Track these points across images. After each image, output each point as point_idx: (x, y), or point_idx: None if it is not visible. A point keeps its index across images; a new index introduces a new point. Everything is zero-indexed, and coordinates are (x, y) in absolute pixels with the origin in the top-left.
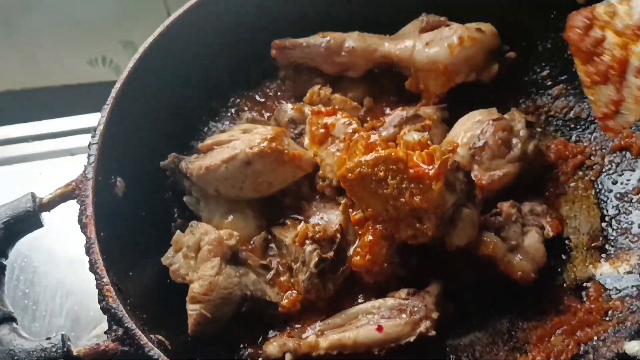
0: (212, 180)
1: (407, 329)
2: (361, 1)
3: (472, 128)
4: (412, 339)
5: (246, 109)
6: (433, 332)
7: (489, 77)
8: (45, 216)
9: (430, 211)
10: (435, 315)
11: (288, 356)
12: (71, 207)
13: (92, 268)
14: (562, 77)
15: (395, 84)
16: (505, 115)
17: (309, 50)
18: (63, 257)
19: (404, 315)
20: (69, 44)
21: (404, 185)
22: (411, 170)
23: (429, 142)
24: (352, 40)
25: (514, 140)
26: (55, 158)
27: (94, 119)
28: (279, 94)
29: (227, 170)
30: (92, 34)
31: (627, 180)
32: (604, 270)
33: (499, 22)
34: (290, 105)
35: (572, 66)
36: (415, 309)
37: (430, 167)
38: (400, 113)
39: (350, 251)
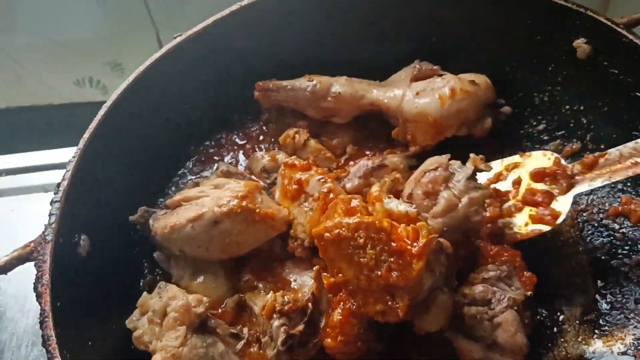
0: (176, 240)
1: None
2: (351, 45)
3: (414, 178)
4: None
5: (225, 153)
6: None
7: (481, 132)
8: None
9: (405, 290)
10: None
11: None
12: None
13: (44, 344)
14: (559, 133)
15: (385, 131)
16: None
17: (293, 94)
18: (31, 305)
19: None
20: (55, 64)
21: (382, 258)
22: (393, 244)
23: (419, 216)
24: (339, 85)
25: (443, 193)
26: (28, 194)
27: (67, 154)
28: (260, 137)
29: (193, 230)
30: (79, 55)
31: (626, 249)
32: (597, 349)
33: (495, 73)
34: (263, 154)
35: (570, 122)
36: None
37: (415, 244)
38: (365, 162)
39: (323, 322)
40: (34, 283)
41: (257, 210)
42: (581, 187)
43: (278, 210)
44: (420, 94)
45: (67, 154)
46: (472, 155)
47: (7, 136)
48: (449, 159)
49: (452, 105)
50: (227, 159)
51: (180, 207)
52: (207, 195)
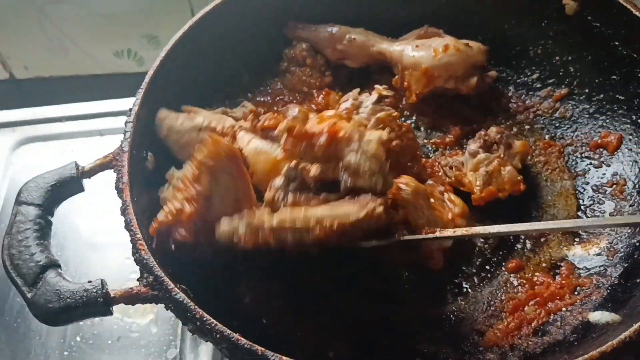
0: (165, 125)
1: (355, 207)
2: (375, 8)
3: None
4: (361, 214)
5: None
6: (380, 210)
7: (467, 89)
8: (85, 182)
9: None
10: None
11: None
12: (107, 177)
13: (127, 226)
14: (550, 81)
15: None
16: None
17: (315, 33)
18: (96, 221)
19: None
20: (96, 36)
21: None
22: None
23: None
24: (355, 33)
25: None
26: (86, 137)
27: (120, 104)
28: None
29: (181, 125)
30: (119, 27)
31: (603, 174)
32: (576, 252)
33: (496, 30)
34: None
35: (559, 71)
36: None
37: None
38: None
39: None
40: (115, 182)
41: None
42: None
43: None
44: (419, 47)
45: (117, 104)
46: (376, 86)
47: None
48: (359, 93)
49: (443, 58)
50: None
51: (188, 113)
52: (212, 115)
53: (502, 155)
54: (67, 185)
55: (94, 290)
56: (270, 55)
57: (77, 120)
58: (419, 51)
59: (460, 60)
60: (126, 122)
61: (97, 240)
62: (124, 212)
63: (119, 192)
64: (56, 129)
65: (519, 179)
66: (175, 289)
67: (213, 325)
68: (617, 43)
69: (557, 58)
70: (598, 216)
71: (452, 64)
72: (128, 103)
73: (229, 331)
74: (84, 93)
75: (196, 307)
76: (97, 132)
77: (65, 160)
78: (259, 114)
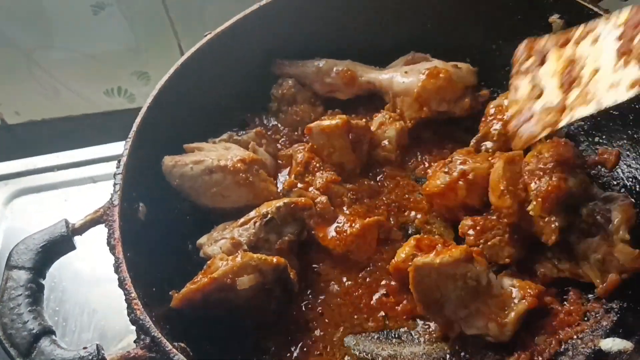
0: (175, 174)
1: None
2: (360, 38)
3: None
4: None
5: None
6: None
7: (460, 111)
8: (77, 239)
9: None
10: None
11: None
12: (99, 232)
13: (121, 285)
14: None
15: None
16: None
17: (303, 69)
18: (89, 278)
19: None
20: (86, 76)
21: None
22: None
23: None
24: (342, 65)
25: None
26: (79, 185)
27: (111, 149)
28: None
29: (191, 170)
30: (108, 66)
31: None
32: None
33: (484, 51)
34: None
35: None
36: None
37: None
38: None
39: None
40: (107, 239)
41: (246, 176)
42: None
43: (266, 185)
44: (408, 73)
45: (109, 149)
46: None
47: (45, 148)
48: None
49: (432, 83)
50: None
51: (192, 153)
52: (217, 150)
53: (606, 236)
54: (58, 245)
55: (90, 357)
56: (261, 91)
57: (69, 168)
58: (409, 77)
59: (450, 83)
60: (115, 174)
61: (92, 298)
62: (117, 269)
63: (111, 249)
64: (48, 179)
65: (636, 254)
66: (174, 350)
67: None
68: None
69: None
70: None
71: (442, 87)
72: (120, 147)
73: None
74: (77, 133)
75: None
76: (89, 179)
77: (59, 211)
78: (264, 135)
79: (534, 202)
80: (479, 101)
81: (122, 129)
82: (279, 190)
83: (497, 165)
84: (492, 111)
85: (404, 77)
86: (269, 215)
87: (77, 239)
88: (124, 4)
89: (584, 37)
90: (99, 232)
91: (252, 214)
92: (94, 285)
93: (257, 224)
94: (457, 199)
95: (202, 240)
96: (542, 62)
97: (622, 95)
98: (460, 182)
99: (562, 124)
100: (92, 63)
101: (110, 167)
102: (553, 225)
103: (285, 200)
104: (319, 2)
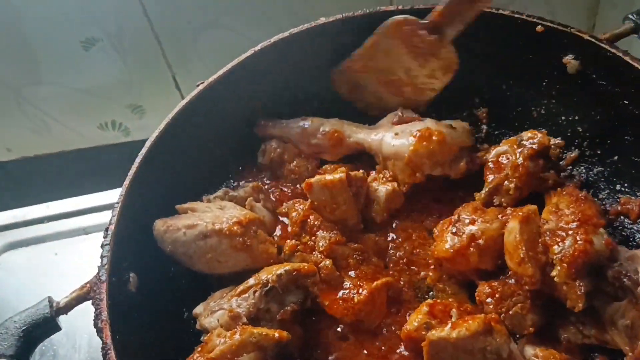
0: (168, 240)
1: None
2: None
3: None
4: None
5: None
6: None
7: (457, 174)
8: (61, 319)
9: None
10: None
11: None
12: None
13: None
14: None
15: None
16: None
17: (287, 130)
18: (82, 342)
19: None
20: (78, 111)
21: None
22: None
23: None
24: (329, 125)
25: None
26: (70, 238)
27: (105, 197)
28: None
29: (184, 235)
30: (101, 100)
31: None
32: None
33: (493, 92)
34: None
35: (567, 132)
36: None
37: None
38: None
39: None
40: (94, 320)
41: (242, 239)
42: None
43: (265, 248)
44: (398, 134)
45: (101, 198)
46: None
47: (38, 184)
48: None
49: (424, 146)
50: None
51: (185, 214)
52: (211, 211)
53: (634, 299)
54: (41, 327)
55: None
56: (253, 145)
57: (60, 219)
58: (399, 139)
59: (445, 145)
60: (102, 245)
61: None
62: (105, 355)
63: (99, 331)
64: (39, 231)
65: None
66: None
67: None
68: (626, 102)
69: (563, 118)
70: None
71: (435, 151)
72: (113, 195)
73: None
74: (71, 168)
75: None
76: (81, 230)
77: (49, 265)
78: (261, 189)
79: (559, 267)
80: (476, 162)
81: (117, 162)
82: (279, 249)
83: (512, 227)
84: (497, 159)
85: (395, 139)
86: (270, 284)
87: (62, 319)
88: (115, 39)
89: None
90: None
91: (252, 281)
92: (86, 348)
93: (257, 293)
94: (468, 264)
95: (199, 309)
96: None
97: None
98: (472, 249)
99: None
100: (84, 97)
101: (103, 217)
102: (579, 291)
103: (287, 267)
104: (319, 46)
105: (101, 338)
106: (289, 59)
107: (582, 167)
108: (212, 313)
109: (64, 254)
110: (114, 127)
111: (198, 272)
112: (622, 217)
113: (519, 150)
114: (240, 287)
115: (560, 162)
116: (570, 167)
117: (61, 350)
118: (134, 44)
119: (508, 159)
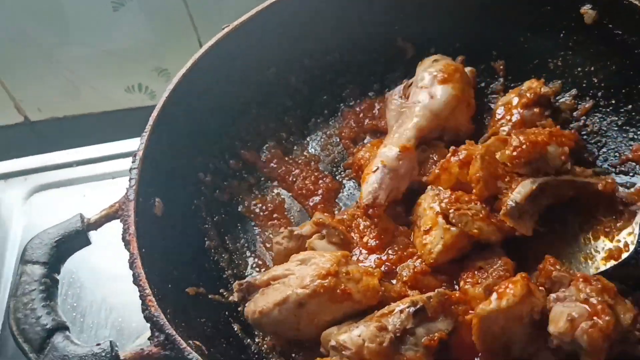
0: (267, 324)
1: None
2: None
3: None
4: None
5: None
6: None
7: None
8: (91, 235)
9: None
10: None
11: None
12: (114, 227)
13: (136, 281)
14: (573, 93)
15: None
16: None
17: None
18: (106, 274)
19: None
20: (106, 73)
21: None
22: None
23: None
24: None
25: None
26: (98, 181)
27: (131, 145)
28: (308, 123)
29: (280, 313)
30: (128, 63)
31: None
32: None
33: (512, 45)
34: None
35: (582, 82)
36: None
37: None
38: None
39: None
40: (122, 234)
41: (340, 290)
42: None
43: (365, 286)
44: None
45: (128, 145)
46: None
47: (66, 145)
48: None
49: None
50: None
51: (269, 287)
52: (293, 273)
53: None
54: (73, 240)
55: (103, 354)
56: (278, 87)
57: (88, 164)
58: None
59: None
60: (131, 169)
61: (110, 294)
62: (132, 265)
63: (126, 244)
64: (67, 175)
65: None
66: (188, 348)
67: None
68: None
69: (579, 69)
70: None
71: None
72: (138, 143)
73: None
74: (98, 130)
75: None
76: (109, 175)
77: (77, 207)
78: (324, 224)
79: None
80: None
81: (142, 126)
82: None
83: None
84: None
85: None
86: (420, 304)
87: (93, 235)
88: (144, 0)
89: None
90: (116, 228)
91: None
92: (111, 281)
93: (405, 312)
94: None
95: (332, 329)
96: None
97: None
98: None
99: None
100: (112, 59)
101: (129, 163)
102: None
103: (440, 289)
104: None
105: (128, 250)
106: (309, 6)
107: (596, 117)
108: (348, 331)
109: (92, 196)
110: (140, 89)
111: (307, 339)
112: (632, 163)
113: (516, 99)
114: (378, 313)
115: (574, 113)
116: (584, 117)
117: (87, 283)
118: (162, 6)
119: (509, 108)
